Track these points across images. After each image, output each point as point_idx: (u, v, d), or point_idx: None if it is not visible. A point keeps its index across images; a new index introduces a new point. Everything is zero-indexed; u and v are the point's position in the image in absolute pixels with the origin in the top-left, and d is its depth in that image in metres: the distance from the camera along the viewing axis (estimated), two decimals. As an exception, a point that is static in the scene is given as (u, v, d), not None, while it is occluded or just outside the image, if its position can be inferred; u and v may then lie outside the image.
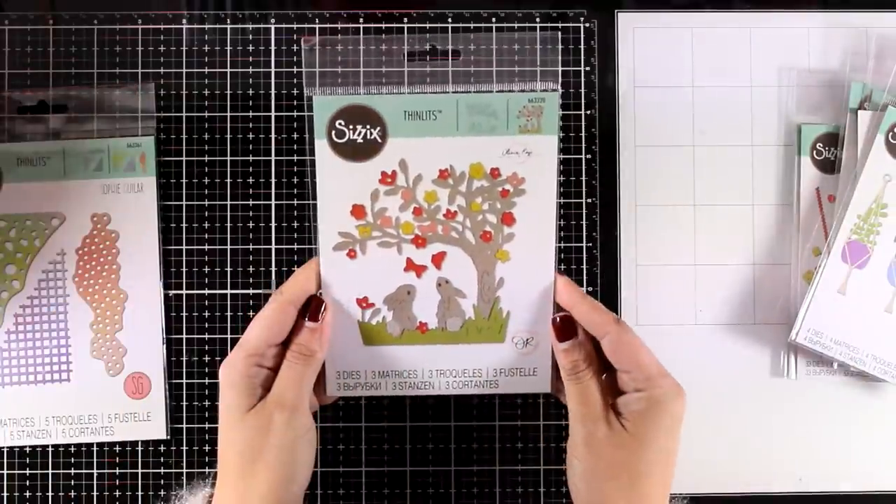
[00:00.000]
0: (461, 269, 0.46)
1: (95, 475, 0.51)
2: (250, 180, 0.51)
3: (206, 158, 0.51)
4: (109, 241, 0.51)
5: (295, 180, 0.51)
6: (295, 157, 0.51)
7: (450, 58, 0.48)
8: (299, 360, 0.44)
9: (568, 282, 0.46)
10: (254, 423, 0.43)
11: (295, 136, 0.51)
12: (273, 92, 0.51)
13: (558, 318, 0.45)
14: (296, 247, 0.51)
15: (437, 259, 0.46)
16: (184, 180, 0.51)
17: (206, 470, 0.51)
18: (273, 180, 0.51)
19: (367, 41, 0.49)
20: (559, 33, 0.48)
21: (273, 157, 0.51)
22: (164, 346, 0.51)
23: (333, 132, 0.45)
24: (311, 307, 0.45)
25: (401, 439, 0.51)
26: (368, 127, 0.45)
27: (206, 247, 0.51)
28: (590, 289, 0.51)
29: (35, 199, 0.50)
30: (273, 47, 0.52)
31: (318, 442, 0.49)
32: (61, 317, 0.50)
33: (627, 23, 0.52)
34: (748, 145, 0.52)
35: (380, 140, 0.45)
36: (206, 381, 0.51)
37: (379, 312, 0.46)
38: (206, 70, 0.51)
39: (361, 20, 0.52)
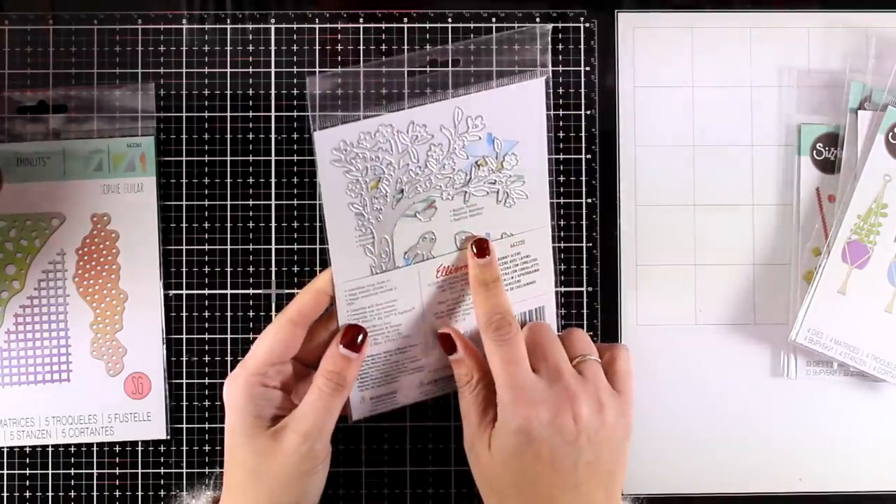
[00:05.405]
0: None
1: (95, 475, 0.51)
2: (250, 180, 0.51)
3: (206, 158, 0.51)
4: (109, 241, 0.51)
5: (295, 180, 0.51)
6: (295, 157, 0.51)
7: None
8: (332, 391, 0.42)
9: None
10: (269, 446, 0.41)
11: (295, 135, 0.51)
12: (273, 92, 0.51)
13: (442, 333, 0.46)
14: (296, 247, 0.51)
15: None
16: (184, 180, 0.51)
17: (206, 470, 0.51)
18: (273, 180, 0.51)
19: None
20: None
21: (273, 157, 0.51)
22: (164, 346, 0.51)
23: None
24: (348, 334, 0.43)
25: (401, 439, 0.51)
26: None
27: (206, 247, 0.51)
28: (590, 289, 0.51)
29: (35, 199, 0.50)
30: (273, 47, 0.52)
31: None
32: (61, 317, 0.50)
33: (627, 23, 0.52)
34: (748, 145, 0.52)
35: None
36: (206, 381, 0.51)
37: None
38: (206, 70, 0.51)
39: (361, 20, 0.52)
